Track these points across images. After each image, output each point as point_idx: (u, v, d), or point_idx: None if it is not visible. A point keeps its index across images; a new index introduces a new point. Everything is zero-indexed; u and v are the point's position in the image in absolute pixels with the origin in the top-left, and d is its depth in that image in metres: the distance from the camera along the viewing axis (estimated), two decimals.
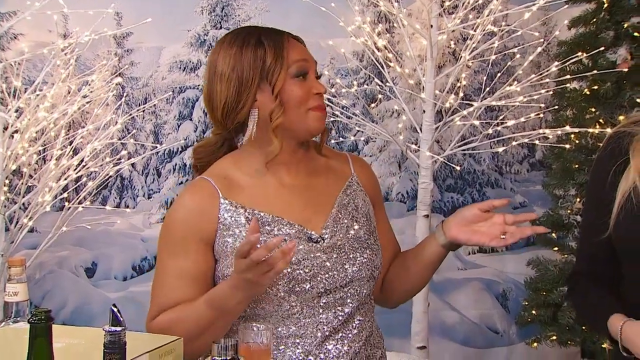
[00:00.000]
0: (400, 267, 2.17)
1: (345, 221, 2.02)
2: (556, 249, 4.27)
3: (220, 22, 4.31)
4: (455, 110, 3.88)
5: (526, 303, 4.34)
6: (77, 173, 3.80)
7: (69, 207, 3.80)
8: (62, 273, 4.29)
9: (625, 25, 4.13)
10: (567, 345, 4.27)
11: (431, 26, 3.74)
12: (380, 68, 3.94)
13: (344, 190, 2.07)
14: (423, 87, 3.86)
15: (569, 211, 4.17)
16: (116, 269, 4.40)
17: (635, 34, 4.13)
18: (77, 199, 3.82)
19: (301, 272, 1.91)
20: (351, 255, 1.98)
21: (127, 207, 4.41)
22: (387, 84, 3.99)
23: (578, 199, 4.15)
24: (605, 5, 4.11)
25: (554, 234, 4.24)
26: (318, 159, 2.11)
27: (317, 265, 1.92)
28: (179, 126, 4.50)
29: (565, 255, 4.19)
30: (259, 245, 1.69)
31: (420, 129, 3.85)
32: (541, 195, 4.56)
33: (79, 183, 3.86)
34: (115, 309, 1.42)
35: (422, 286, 2.29)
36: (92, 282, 4.34)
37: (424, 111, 3.85)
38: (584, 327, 4.09)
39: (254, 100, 1.95)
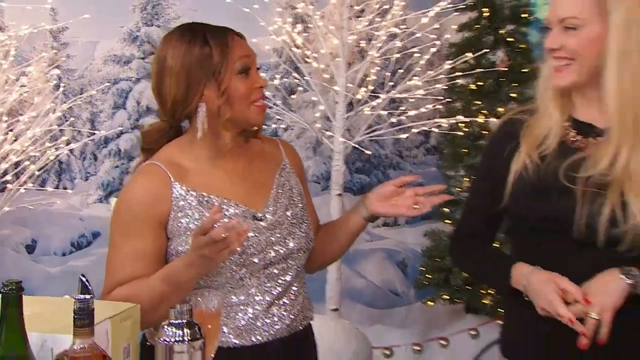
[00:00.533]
0: (326, 236, 2.20)
1: (283, 200, 2.04)
2: (448, 221, 4.37)
3: (151, 20, 4.23)
4: (364, 101, 3.91)
5: (423, 269, 4.47)
6: (17, 157, 3.67)
7: (11, 189, 3.67)
8: (3, 250, 4.15)
9: (502, 32, 4.33)
10: (456, 303, 4.43)
11: (342, 27, 3.76)
12: (298, 63, 3.96)
13: (279, 172, 2.08)
14: (336, 81, 3.86)
15: (459, 189, 4.30)
16: (55, 245, 4.29)
17: (510, 39, 4.35)
18: (19, 181, 3.70)
19: (250, 247, 1.91)
20: (292, 230, 2.00)
21: (66, 188, 4.29)
22: (305, 77, 4.00)
23: (466, 179, 4.25)
24: (486, 14, 4.25)
25: (446, 209, 4.33)
26: (254, 144, 2.09)
27: (263, 241, 1.93)
28: (113, 115, 4.40)
29: None
30: (217, 225, 1.70)
31: (334, 118, 3.88)
32: (435, 175, 4.59)
33: (20, 167, 3.73)
34: (84, 279, 1.43)
35: (343, 253, 2.32)
36: (32, 257, 4.22)
37: (337, 102, 3.89)
38: (468, 287, 4.23)
39: (201, 95, 1.91)
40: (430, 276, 4.38)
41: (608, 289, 1.86)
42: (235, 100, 1.92)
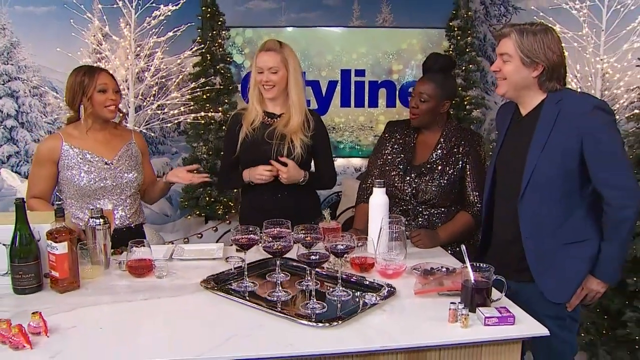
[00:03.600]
0: (153, 187, 2.38)
1: (127, 159, 2.23)
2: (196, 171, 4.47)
3: (7, 61, 3.83)
4: (145, 106, 3.93)
5: (182, 199, 4.45)
6: None
7: None
8: None
9: (218, 67, 4.38)
10: (202, 216, 4.50)
11: (131, 64, 3.76)
12: None
13: (127, 145, 2.27)
14: (128, 94, 3.80)
15: (199, 153, 4.33)
16: None
17: (222, 71, 4.38)
18: None
19: (109, 180, 2.16)
20: (127, 172, 2.22)
21: None
22: None
23: (204, 148, 4.32)
24: (209, 58, 4.35)
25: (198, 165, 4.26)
26: (117, 130, 2.26)
27: (111, 174, 2.16)
28: None
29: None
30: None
31: (128, 116, 3.83)
32: (184, 146, 4.57)
33: None
34: (57, 193, 1.71)
35: (159, 198, 2.45)
36: None
37: (129, 107, 3.82)
38: (209, 206, 4.31)
39: (80, 101, 2.12)
40: (187, 202, 4.42)
41: (295, 173, 2.26)
42: (96, 105, 2.12)
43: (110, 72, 2.21)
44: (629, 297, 2.57)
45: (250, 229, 1.73)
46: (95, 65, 2.24)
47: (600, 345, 2.67)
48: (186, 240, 4.25)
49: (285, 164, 2.25)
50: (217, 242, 4.13)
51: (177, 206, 4.66)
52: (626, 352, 2.64)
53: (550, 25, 1.87)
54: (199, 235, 4.25)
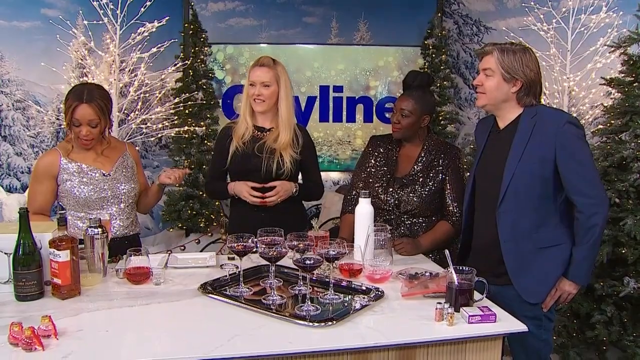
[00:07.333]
0: (146, 194, 2.40)
1: (123, 170, 2.27)
2: (179, 185, 4.38)
3: None
4: (128, 120, 3.94)
5: (163, 212, 4.53)
6: None
7: None
8: None
9: (200, 83, 4.48)
10: (183, 229, 4.50)
11: (114, 79, 3.78)
12: None
13: (122, 156, 2.29)
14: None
15: (181, 166, 4.34)
16: None
17: (204, 86, 4.51)
18: None
19: (107, 190, 2.20)
20: (124, 182, 2.26)
21: None
22: None
23: (187, 162, 4.35)
24: (192, 74, 4.39)
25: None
26: (112, 142, 2.27)
27: (109, 185, 2.21)
28: None
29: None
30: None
31: (111, 130, 3.78)
32: (167, 161, 4.66)
33: None
34: (61, 205, 1.75)
35: (154, 204, 2.44)
36: None
37: (113, 121, 3.68)
38: (190, 219, 4.42)
39: (68, 125, 2.14)
40: (168, 216, 4.42)
41: (285, 187, 2.31)
42: (74, 133, 2.14)
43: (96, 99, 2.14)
44: (597, 301, 2.71)
45: (246, 236, 1.80)
46: (84, 88, 2.14)
47: (571, 347, 2.80)
48: (169, 252, 4.25)
49: (273, 187, 2.30)
50: (202, 250, 4.23)
51: (159, 219, 4.68)
52: (595, 353, 2.77)
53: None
54: (182, 248, 4.26)
